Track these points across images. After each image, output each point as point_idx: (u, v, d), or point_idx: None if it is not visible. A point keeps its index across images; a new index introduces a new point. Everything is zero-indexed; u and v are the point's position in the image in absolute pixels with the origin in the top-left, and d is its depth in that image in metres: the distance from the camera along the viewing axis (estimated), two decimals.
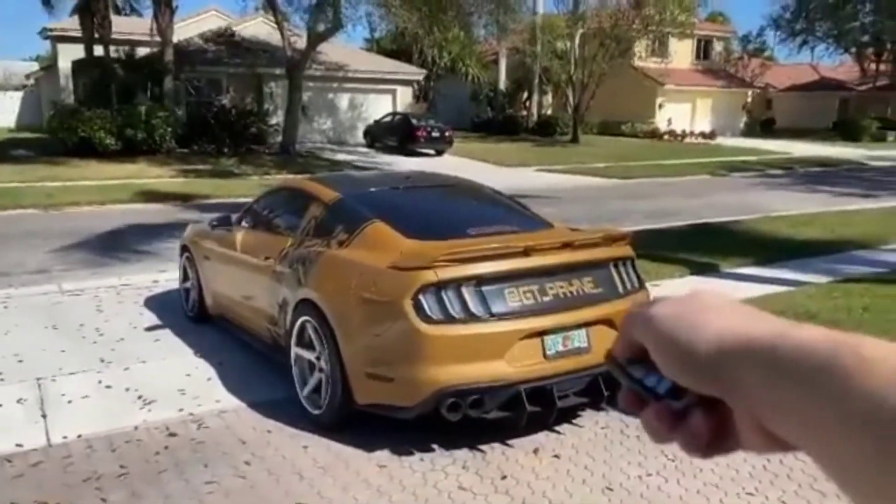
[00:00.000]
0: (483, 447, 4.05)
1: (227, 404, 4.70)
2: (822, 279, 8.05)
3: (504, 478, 3.76)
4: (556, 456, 4.00)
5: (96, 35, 23.82)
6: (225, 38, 28.40)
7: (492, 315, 3.85)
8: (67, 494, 3.59)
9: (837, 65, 45.71)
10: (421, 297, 3.77)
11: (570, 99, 32.46)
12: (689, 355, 0.48)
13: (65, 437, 4.19)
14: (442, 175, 6.51)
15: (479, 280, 3.87)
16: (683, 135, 36.02)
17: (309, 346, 4.40)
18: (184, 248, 6.69)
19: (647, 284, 4.72)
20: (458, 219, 5.14)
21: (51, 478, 3.76)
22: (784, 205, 14.61)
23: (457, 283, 3.82)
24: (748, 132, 40.52)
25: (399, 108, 29.87)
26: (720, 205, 14.78)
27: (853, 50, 42.61)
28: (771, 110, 45.56)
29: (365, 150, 27.37)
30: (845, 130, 38.25)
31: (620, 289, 4.29)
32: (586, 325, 4.04)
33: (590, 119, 34.39)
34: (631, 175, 20.89)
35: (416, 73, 31.96)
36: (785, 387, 0.43)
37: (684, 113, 38.14)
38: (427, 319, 3.76)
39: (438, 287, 3.79)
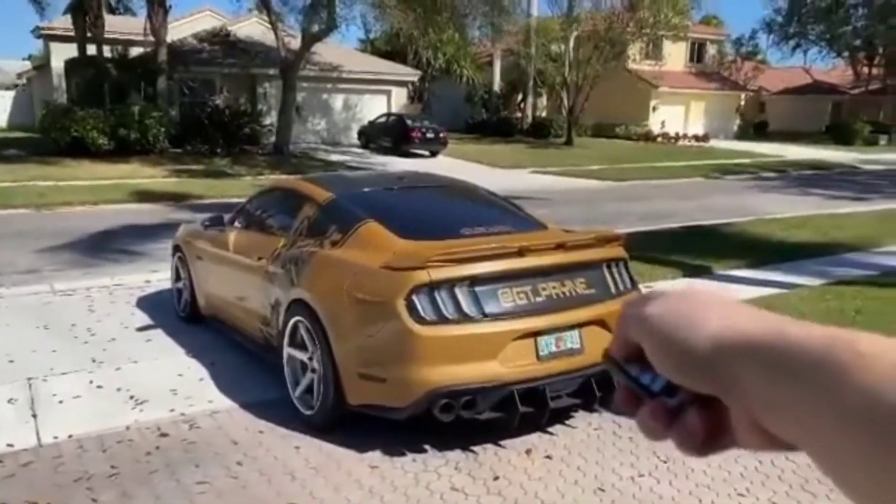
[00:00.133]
0: (475, 448, 4.04)
1: (219, 405, 4.68)
2: (815, 282, 8.08)
3: (496, 478, 3.76)
4: (548, 457, 4.00)
5: (89, 34, 23.69)
6: (219, 39, 28.34)
7: (485, 315, 3.85)
8: (58, 494, 3.57)
9: (830, 68, 45.93)
10: (414, 297, 3.76)
11: (565, 101, 32.54)
12: (684, 353, 0.47)
13: (55, 438, 4.17)
14: (436, 175, 6.51)
15: (473, 280, 3.87)
16: (677, 137, 36.14)
17: (301, 346, 4.39)
18: (176, 248, 6.67)
19: (641, 286, 4.73)
20: (451, 219, 5.13)
21: (41, 478, 3.74)
22: (777, 207, 14.66)
23: (450, 284, 3.82)
24: (741, 135, 40.67)
25: (393, 109, 29.86)
26: (714, 207, 14.82)
27: (846, 54, 42.77)
28: (764, 113, 45.74)
29: (359, 150, 27.36)
30: (838, 134, 38.46)
31: (613, 290, 4.29)
32: (579, 325, 4.05)
33: (584, 121, 34.46)
34: (625, 177, 20.92)
35: (411, 74, 31.97)
36: (781, 383, 0.42)
37: (678, 115, 38.25)
38: (420, 320, 3.75)
39: (432, 287, 3.79)
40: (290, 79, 23.27)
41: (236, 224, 5.84)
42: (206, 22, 31.90)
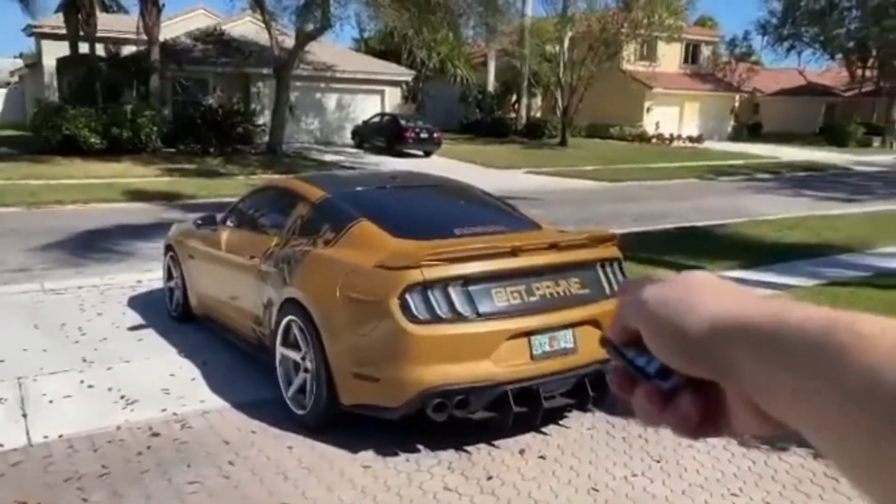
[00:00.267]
0: (469, 448, 4.03)
1: (211, 404, 4.66)
2: (808, 282, 8.11)
3: (490, 478, 3.75)
4: (541, 457, 3.99)
5: (82, 32, 23.60)
6: (213, 37, 28.24)
7: (478, 315, 3.84)
8: (48, 494, 3.55)
9: (824, 70, 46.05)
10: (407, 296, 3.75)
11: (559, 102, 32.54)
12: (681, 337, 0.47)
13: (46, 437, 4.14)
14: (429, 175, 6.50)
15: (466, 280, 3.85)
16: (671, 138, 36.20)
17: (294, 346, 4.37)
18: (168, 248, 6.64)
19: None
20: (445, 218, 5.12)
21: (31, 477, 3.71)
22: (771, 208, 14.70)
23: (443, 283, 3.81)
24: (735, 136, 40.76)
25: (387, 109, 29.83)
26: (708, 208, 14.85)
27: (839, 56, 42.93)
28: (758, 115, 45.84)
29: (353, 150, 27.30)
30: (831, 135, 38.62)
31: (607, 290, 4.28)
32: (573, 325, 4.04)
33: (578, 122, 34.45)
34: (619, 178, 20.95)
35: (405, 74, 31.93)
36: (780, 366, 0.42)
37: (672, 116, 38.33)
38: (413, 319, 3.74)
39: (425, 287, 3.77)
40: (283, 78, 23.22)
41: (229, 223, 5.81)
42: (199, 20, 31.80)
